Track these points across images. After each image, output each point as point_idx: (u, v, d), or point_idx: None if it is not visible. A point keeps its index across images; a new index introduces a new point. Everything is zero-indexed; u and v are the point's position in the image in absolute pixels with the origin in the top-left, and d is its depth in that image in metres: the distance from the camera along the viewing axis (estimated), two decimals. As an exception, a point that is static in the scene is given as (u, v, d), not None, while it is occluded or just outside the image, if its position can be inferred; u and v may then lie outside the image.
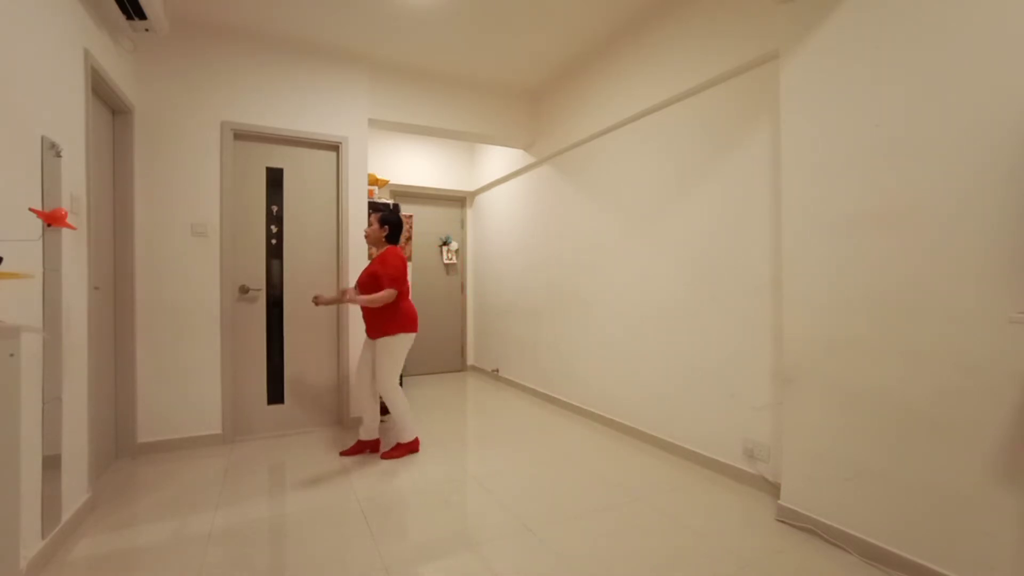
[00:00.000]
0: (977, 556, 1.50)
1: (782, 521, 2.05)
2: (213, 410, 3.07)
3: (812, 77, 1.97)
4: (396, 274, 2.73)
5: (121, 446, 2.81)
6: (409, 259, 3.75)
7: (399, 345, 2.78)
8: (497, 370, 5.09)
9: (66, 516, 1.92)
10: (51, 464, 1.78)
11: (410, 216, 3.76)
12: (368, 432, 2.90)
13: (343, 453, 2.86)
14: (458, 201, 5.67)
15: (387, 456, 2.80)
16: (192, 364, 3.02)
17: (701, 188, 2.70)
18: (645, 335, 3.08)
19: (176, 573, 1.71)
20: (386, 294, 2.66)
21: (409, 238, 3.73)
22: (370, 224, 2.87)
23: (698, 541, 1.91)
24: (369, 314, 2.80)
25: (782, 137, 2.08)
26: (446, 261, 5.52)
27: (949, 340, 1.57)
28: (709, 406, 2.64)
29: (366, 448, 2.90)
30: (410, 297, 2.92)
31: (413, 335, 2.84)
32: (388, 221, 2.83)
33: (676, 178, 2.86)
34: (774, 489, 2.25)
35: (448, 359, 5.58)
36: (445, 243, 5.51)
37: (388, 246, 2.84)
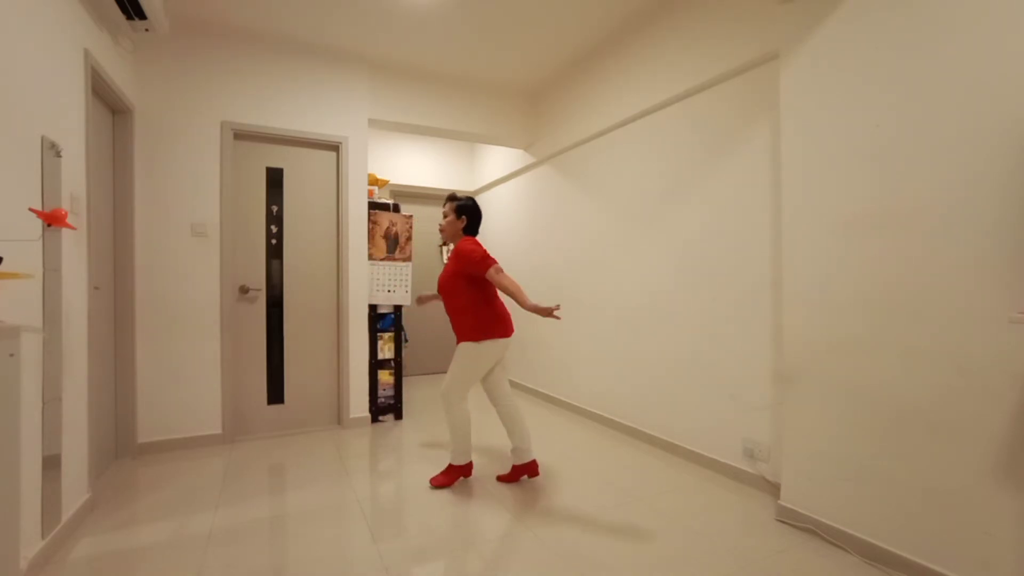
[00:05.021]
0: (977, 556, 1.51)
1: (782, 521, 2.05)
2: (213, 410, 3.07)
3: (812, 77, 1.97)
4: (480, 254, 2.30)
5: (121, 446, 2.81)
6: (409, 260, 3.75)
7: (483, 354, 2.36)
8: (497, 370, 5.08)
9: (66, 516, 1.92)
10: (51, 464, 1.78)
11: (410, 216, 3.76)
12: (519, 454, 2.48)
13: (500, 479, 2.50)
14: (458, 201, 5.66)
15: (437, 482, 2.43)
16: (192, 364, 3.02)
17: (701, 188, 2.70)
18: (645, 335, 3.08)
19: (176, 573, 1.71)
20: (502, 280, 2.24)
21: (409, 238, 3.73)
22: (445, 216, 2.48)
23: (698, 541, 1.91)
24: (457, 315, 2.40)
25: (782, 137, 2.08)
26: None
27: (949, 340, 1.57)
28: (709, 406, 2.64)
29: (524, 471, 2.49)
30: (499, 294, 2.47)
31: (506, 340, 2.41)
32: (466, 211, 2.45)
33: (676, 178, 2.86)
34: (774, 489, 2.25)
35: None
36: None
37: (465, 238, 2.44)
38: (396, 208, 3.73)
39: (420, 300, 2.70)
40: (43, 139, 1.75)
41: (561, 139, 3.86)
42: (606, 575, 1.70)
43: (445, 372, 5.52)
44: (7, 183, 1.53)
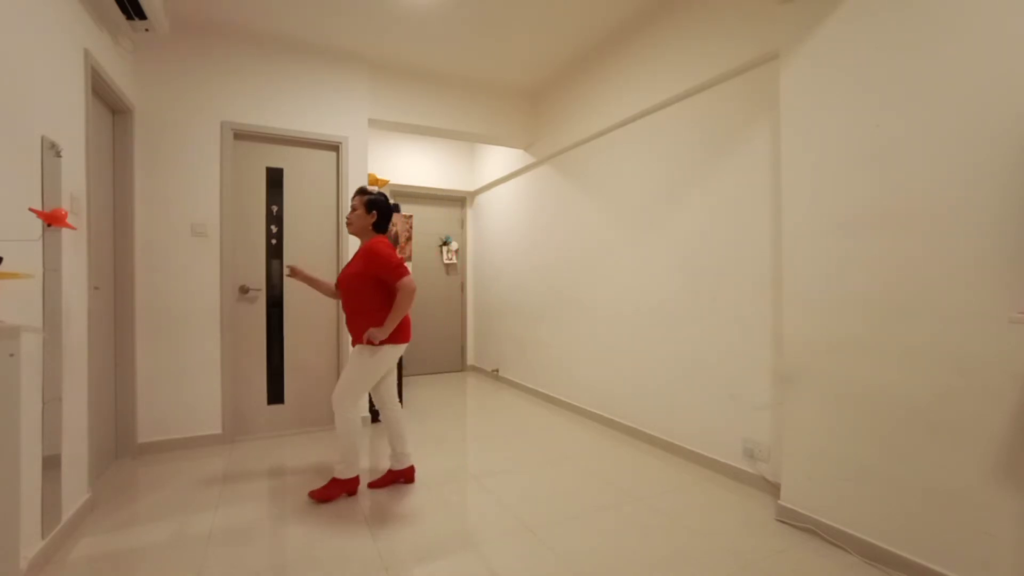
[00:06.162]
0: (977, 556, 1.51)
1: (782, 521, 2.05)
2: (213, 410, 3.07)
3: (812, 77, 1.97)
4: (396, 259, 2.23)
5: (121, 446, 2.81)
6: (409, 259, 3.74)
7: (382, 359, 2.28)
8: (497, 370, 5.09)
9: (66, 516, 1.92)
10: (51, 464, 1.78)
11: (410, 216, 3.76)
12: (398, 459, 2.46)
13: (372, 485, 2.43)
14: (458, 201, 5.67)
15: (316, 495, 2.25)
16: (192, 364, 3.02)
17: (701, 188, 2.70)
18: (645, 335, 3.08)
19: (176, 573, 1.71)
20: (405, 293, 2.19)
21: (409, 238, 3.73)
22: (353, 209, 2.36)
23: (698, 541, 1.91)
24: (357, 318, 2.30)
25: (782, 137, 2.08)
26: (446, 261, 5.52)
27: (949, 340, 1.57)
28: (709, 406, 2.64)
29: (399, 478, 2.47)
30: None
31: (403, 346, 2.36)
32: (377, 206, 2.35)
33: (676, 178, 2.86)
34: (774, 489, 2.25)
35: (448, 359, 5.58)
36: (445, 243, 5.52)
37: (374, 236, 2.38)
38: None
39: (295, 272, 2.40)
40: (43, 139, 1.75)
41: (561, 139, 3.86)
42: (607, 575, 1.70)
43: (445, 372, 5.52)
44: (7, 183, 1.53)
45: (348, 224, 2.38)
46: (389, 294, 2.31)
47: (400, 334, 2.32)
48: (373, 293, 2.27)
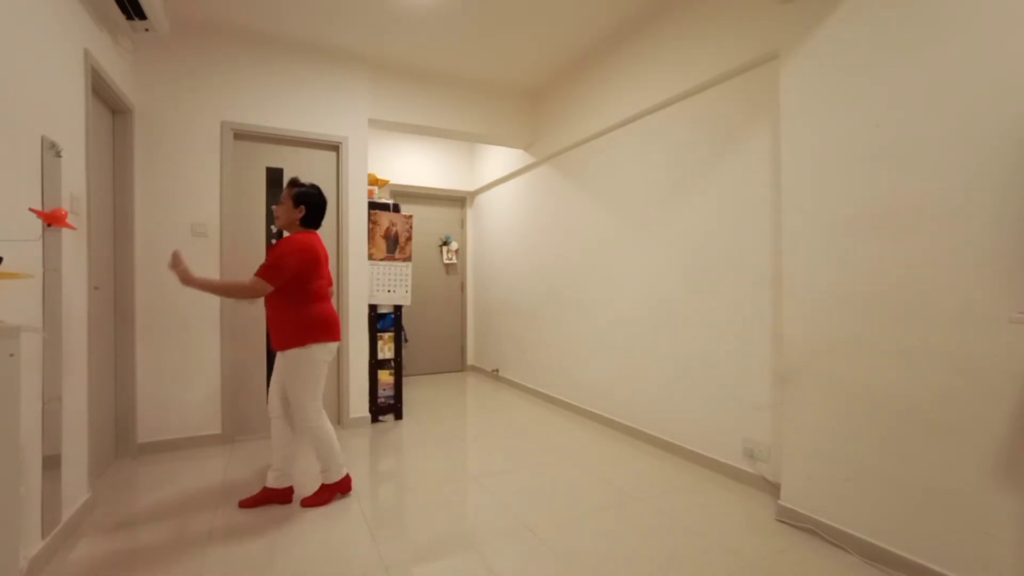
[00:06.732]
0: (977, 556, 1.51)
1: (782, 521, 2.05)
2: (213, 410, 3.07)
3: (812, 77, 1.97)
4: (277, 262, 2.05)
5: (121, 446, 2.81)
6: (409, 259, 3.74)
7: (314, 359, 2.15)
8: (497, 370, 5.09)
9: (66, 516, 1.92)
10: (51, 464, 1.78)
11: (410, 216, 3.76)
12: (277, 478, 2.23)
13: (243, 504, 2.20)
14: (458, 201, 5.67)
15: (308, 503, 2.21)
16: (192, 364, 3.02)
17: (701, 188, 2.70)
18: (645, 335, 3.08)
19: (176, 573, 1.71)
20: (245, 283, 2.03)
21: (409, 238, 3.73)
22: (281, 202, 2.22)
23: (698, 541, 1.91)
24: (274, 320, 2.16)
25: (782, 137, 2.08)
26: (446, 261, 5.52)
27: (949, 340, 1.57)
28: (709, 406, 2.64)
29: (274, 498, 2.22)
30: (330, 298, 2.29)
31: (334, 345, 2.23)
32: (305, 199, 2.20)
33: (676, 178, 2.86)
34: (774, 489, 2.25)
35: (448, 359, 5.58)
36: (445, 243, 5.52)
37: (301, 231, 2.22)
38: (396, 208, 3.73)
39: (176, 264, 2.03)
40: (43, 139, 1.75)
41: (561, 139, 3.86)
42: (607, 575, 1.70)
43: (445, 372, 5.52)
44: (7, 183, 1.53)
45: (276, 218, 2.24)
46: (305, 287, 2.15)
47: (327, 332, 2.19)
48: (287, 288, 2.12)
